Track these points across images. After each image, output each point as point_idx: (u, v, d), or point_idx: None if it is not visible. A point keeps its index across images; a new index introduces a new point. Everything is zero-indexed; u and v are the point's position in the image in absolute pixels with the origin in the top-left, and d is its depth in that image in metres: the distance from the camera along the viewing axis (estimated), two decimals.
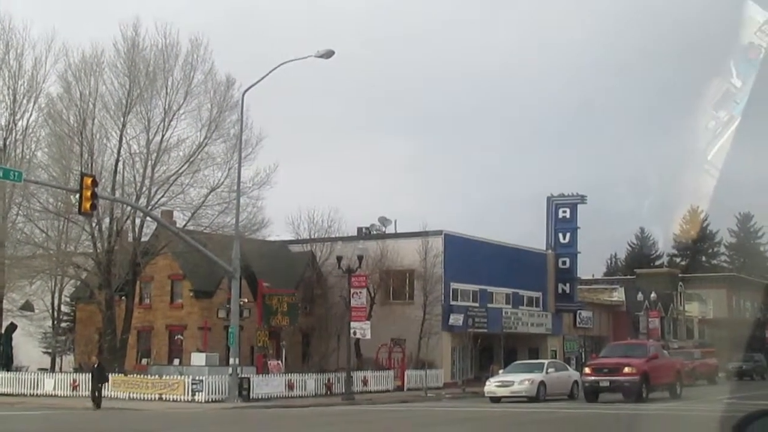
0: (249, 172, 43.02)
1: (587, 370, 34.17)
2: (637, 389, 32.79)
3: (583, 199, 65.47)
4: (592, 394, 33.82)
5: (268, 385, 40.65)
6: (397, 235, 56.41)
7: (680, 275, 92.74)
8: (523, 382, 35.64)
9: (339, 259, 41.95)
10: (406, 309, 53.18)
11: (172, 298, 51.15)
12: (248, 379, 39.06)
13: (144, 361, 50.60)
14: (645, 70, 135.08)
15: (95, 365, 36.90)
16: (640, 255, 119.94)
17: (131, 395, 39.49)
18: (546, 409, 32.07)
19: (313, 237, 55.34)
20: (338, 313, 52.71)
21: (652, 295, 71.82)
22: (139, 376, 40.45)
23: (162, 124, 41.78)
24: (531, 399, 35.56)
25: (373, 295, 52.67)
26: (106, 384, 40.05)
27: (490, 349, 59.98)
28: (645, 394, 33.06)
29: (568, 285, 64.68)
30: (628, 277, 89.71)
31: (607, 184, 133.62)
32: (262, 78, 38.31)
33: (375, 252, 52.64)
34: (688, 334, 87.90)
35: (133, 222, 42.43)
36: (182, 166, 42.39)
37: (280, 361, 48.51)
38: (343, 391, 42.99)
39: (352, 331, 46.16)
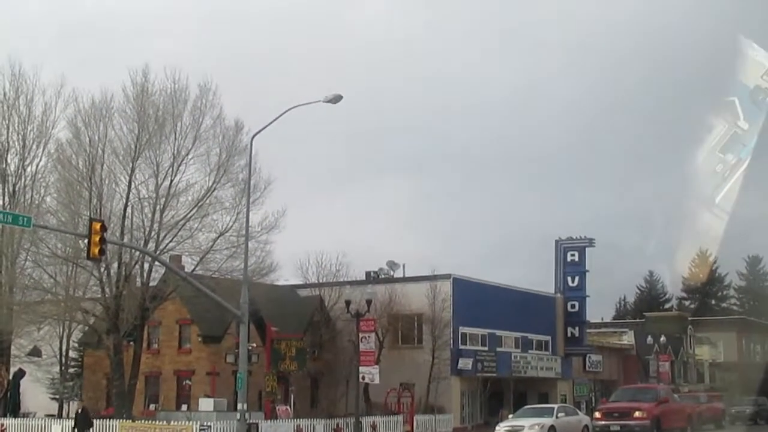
0: (257, 216, 43.11)
1: (598, 414, 33.97)
2: None
3: (591, 242, 65.40)
4: None
5: (278, 430, 40.39)
6: (405, 279, 56.33)
7: (690, 318, 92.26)
8: (534, 427, 35.38)
9: (348, 303, 41.90)
10: (415, 353, 52.97)
11: (180, 343, 51.05)
12: (256, 424, 38.81)
13: (152, 406, 50.39)
14: (651, 112, 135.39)
15: (79, 410, 36.76)
16: (649, 298, 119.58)
17: None
18: None
19: (321, 281, 55.26)
20: (347, 358, 52.57)
21: (662, 338, 71.43)
22: (147, 422, 40.25)
23: (171, 169, 41.91)
24: None
25: (381, 339, 52.52)
26: (91, 430, 40.01)
27: (500, 394, 59.60)
28: None
29: (577, 328, 64.40)
30: (637, 320, 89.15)
31: (616, 227, 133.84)
32: (271, 122, 38.30)
33: (383, 296, 52.55)
34: (698, 377, 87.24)
35: (142, 267, 42.40)
36: (191, 211, 42.44)
37: (288, 407, 48.26)
38: None
39: (360, 375, 45.96)
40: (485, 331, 56.25)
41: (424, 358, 52.04)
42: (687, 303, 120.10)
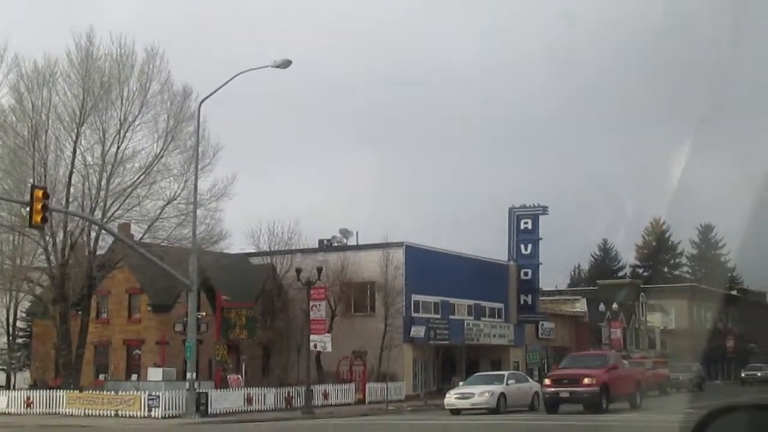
0: (206, 183, 42.65)
1: (547, 381, 33.99)
2: (597, 400, 32.66)
3: (544, 210, 65.52)
4: (553, 405, 33.63)
5: (227, 399, 40.09)
6: (358, 247, 56.05)
7: (642, 286, 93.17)
8: (483, 394, 35.38)
9: (298, 271, 41.51)
10: (368, 321, 52.76)
11: (129, 313, 50.39)
12: (206, 394, 38.47)
13: (101, 376, 49.75)
14: (607, 81, 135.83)
15: None
16: (604, 266, 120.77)
17: (86, 412, 38.80)
18: (506, 420, 31.81)
19: (273, 249, 54.75)
20: (299, 327, 52.29)
21: (614, 305, 71.97)
22: (94, 392, 39.74)
23: (117, 135, 41.17)
24: (491, 411, 35.29)
25: (333, 307, 52.27)
26: (62, 401, 39.52)
27: (453, 361, 59.75)
28: (605, 405, 32.93)
29: (530, 296, 64.60)
30: (591, 288, 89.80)
31: (572, 196, 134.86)
32: (219, 88, 37.91)
33: (335, 264, 52.26)
34: (650, 344, 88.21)
35: (89, 235, 41.67)
36: (138, 178, 41.83)
37: (240, 375, 47.96)
38: (303, 405, 42.64)
39: (312, 344, 45.67)
40: (438, 299, 56.19)
41: (376, 326, 51.85)
42: (640, 271, 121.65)
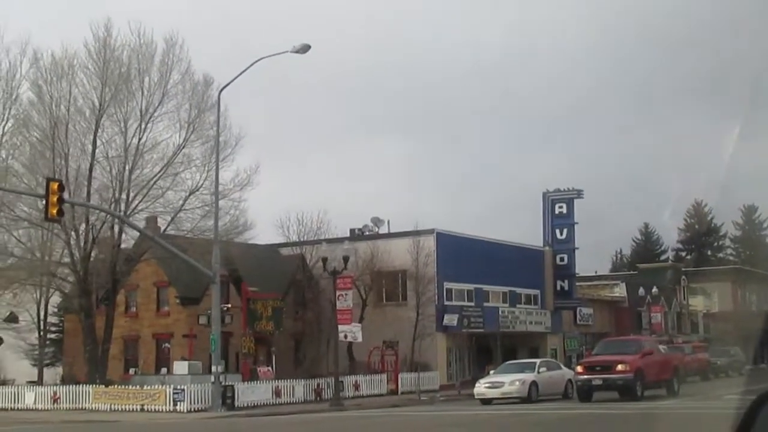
0: (229, 173, 41.92)
1: (579, 368, 32.87)
2: (631, 387, 31.51)
3: (579, 193, 64.17)
4: (586, 393, 32.53)
5: (254, 392, 39.43)
6: (388, 235, 55.16)
7: (684, 269, 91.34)
8: (514, 383, 34.38)
9: (324, 260, 40.63)
10: (400, 311, 51.87)
11: (158, 306, 49.96)
12: (233, 386, 37.83)
13: (131, 370, 49.39)
14: (648, 64, 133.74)
15: None
16: (645, 250, 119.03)
17: (113, 407, 38.34)
18: (537, 410, 30.77)
19: (302, 239, 54.02)
20: (329, 317, 51.66)
21: (654, 289, 70.40)
22: (120, 387, 39.24)
23: (138, 126, 40.55)
24: (523, 400, 34.30)
25: (364, 297, 51.48)
26: (89, 396, 39.13)
27: (489, 350, 58.83)
28: (640, 392, 31.77)
29: (566, 281, 63.37)
30: (631, 273, 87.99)
31: (610, 180, 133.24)
32: (239, 75, 37.17)
33: (365, 253, 51.45)
34: (692, 328, 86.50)
35: (112, 229, 41.12)
36: (160, 170, 41.15)
37: (270, 368, 47.35)
38: (332, 396, 41.96)
39: (341, 334, 44.97)
40: (471, 287, 55.17)
41: (408, 315, 50.97)
42: (683, 254, 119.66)
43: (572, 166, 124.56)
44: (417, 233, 52.65)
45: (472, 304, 55.03)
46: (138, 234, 43.65)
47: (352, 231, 58.26)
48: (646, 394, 33.02)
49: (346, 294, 39.48)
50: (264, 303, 41.59)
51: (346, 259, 41.08)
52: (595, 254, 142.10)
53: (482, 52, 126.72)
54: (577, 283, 75.68)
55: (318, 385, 42.40)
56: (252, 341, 41.45)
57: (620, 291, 75.26)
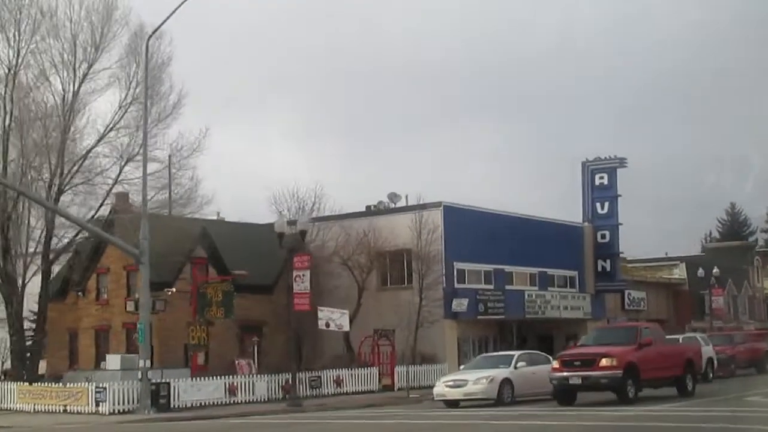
0: (172, 136, 36.34)
1: (556, 363, 26.19)
2: (620, 386, 24.86)
3: (622, 162, 56.73)
4: (565, 393, 25.95)
5: (201, 390, 33.80)
6: (389, 211, 48.71)
7: (759, 249, 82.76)
8: (480, 381, 27.89)
9: (280, 236, 34.55)
10: (404, 295, 45.51)
11: (128, 292, 44.58)
12: (168, 384, 32.30)
13: (103, 364, 44.37)
14: (733, 39, 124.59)
15: None
16: (732, 232, 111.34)
17: (37, 407, 33.27)
18: (493, 421, 24.39)
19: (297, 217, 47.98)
20: (331, 304, 46.11)
21: (715, 270, 62.61)
22: (44, 385, 34.08)
23: (71, 82, 35.23)
24: (495, 402, 27.90)
25: (361, 280, 45.54)
26: (14, 395, 34.22)
27: (521, 338, 52.43)
28: (633, 392, 25.10)
29: (608, 261, 56.07)
30: (697, 255, 79.05)
31: (697, 159, 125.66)
32: (168, 18, 31.57)
33: (356, 231, 45.66)
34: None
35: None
36: (101, 136, 35.83)
37: (251, 361, 41.87)
38: (305, 394, 36.34)
39: (321, 321, 39.34)
40: (490, 267, 48.52)
41: (413, 300, 44.71)
42: None
43: (651, 144, 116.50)
44: (421, 207, 46.33)
45: (491, 287, 48.39)
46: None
47: (367, 207, 52.32)
48: (650, 394, 26.53)
49: (303, 275, 33.51)
50: (215, 287, 35.99)
51: (303, 233, 35.14)
52: (682, 236, 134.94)
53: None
54: (632, 264, 68.64)
55: (287, 381, 36.48)
56: (204, 330, 35.77)
57: (680, 272, 67.52)
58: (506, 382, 27.96)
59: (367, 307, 45.46)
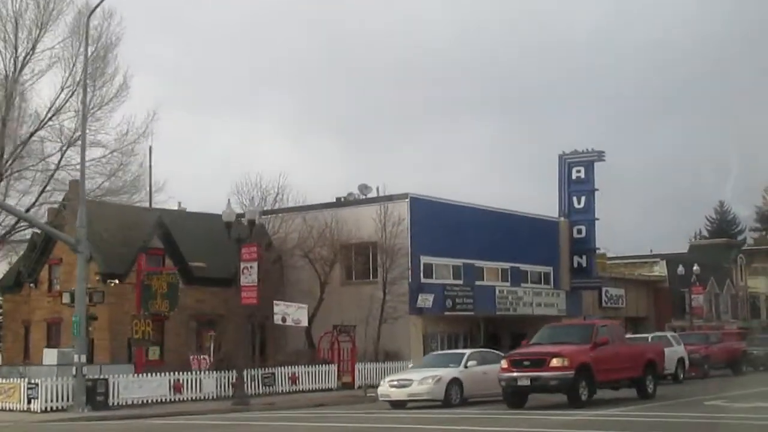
0: (114, 121, 34.74)
1: (504, 363, 24.53)
2: (571, 388, 23.24)
3: (600, 155, 55.14)
4: (515, 395, 24.31)
5: (143, 387, 32.13)
6: (355, 203, 47.03)
7: (745, 248, 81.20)
8: (425, 381, 26.25)
9: (228, 225, 32.76)
10: (370, 289, 43.86)
11: None
12: (105, 381, 30.63)
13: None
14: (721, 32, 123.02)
15: None
16: (719, 230, 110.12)
17: None
18: (442, 418, 22.80)
19: (263, 208, 46.29)
20: (293, 297, 44.56)
21: (695, 267, 61.10)
22: None
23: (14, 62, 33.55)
24: (443, 403, 26.28)
25: (323, 274, 43.89)
26: None
27: (494, 336, 50.89)
28: (586, 395, 23.48)
29: (584, 257, 54.55)
30: (679, 252, 77.41)
31: (682, 157, 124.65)
32: None
33: (320, 223, 44.04)
34: (753, 312, 76.60)
35: None
36: (44, 117, 34.09)
37: (207, 356, 40.18)
38: (258, 392, 34.78)
39: (277, 316, 37.89)
40: (459, 262, 46.93)
41: (378, 295, 43.10)
42: (764, 234, 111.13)
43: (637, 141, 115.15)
44: (388, 198, 44.72)
45: (460, 282, 46.81)
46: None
47: (337, 199, 50.68)
48: (607, 396, 25.00)
49: (251, 267, 31.85)
50: (160, 279, 34.26)
51: (251, 224, 33.41)
52: (673, 235, 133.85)
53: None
54: (612, 261, 67.18)
55: (236, 378, 34.80)
56: (148, 324, 34.03)
57: (660, 270, 65.95)
58: (454, 382, 26.31)
59: (330, 302, 43.83)
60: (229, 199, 34.77)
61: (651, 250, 77.03)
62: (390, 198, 44.73)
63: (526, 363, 23.62)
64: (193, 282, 42.86)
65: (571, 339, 24.82)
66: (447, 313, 45.20)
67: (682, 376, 37.51)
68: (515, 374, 23.71)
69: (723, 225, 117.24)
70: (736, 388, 30.32)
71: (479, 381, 26.85)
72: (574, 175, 54.81)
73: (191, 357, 39.70)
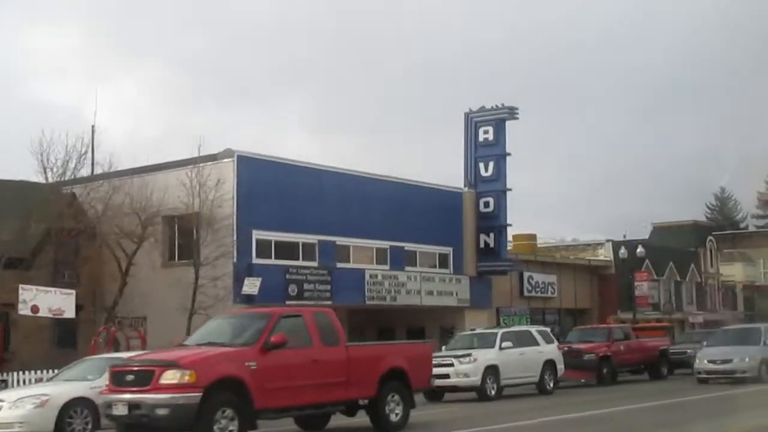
0: None
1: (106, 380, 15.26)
2: (198, 427, 14.09)
3: (512, 112, 45.42)
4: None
5: None
6: (166, 166, 37.14)
7: (717, 233, 71.39)
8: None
9: None
10: (185, 272, 34.79)
11: None
12: None
13: None
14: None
15: None
16: (721, 217, 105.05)
17: None
18: None
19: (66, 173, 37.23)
20: (96, 282, 36.00)
21: (639, 250, 51.55)
22: None
23: None
24: None
25: (128, 252, 34.97)
26: None
27: (389, 331, 42.31)
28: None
29: (492, 236, 44.95)
30: (640, 239, 67.14)
31: (683, 143, 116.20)
32: None
33: (127, 192, 35.08)
34: (726, 303, 66.87)
35: None
36: None
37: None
38: None
39: (22, 305, 29.38)
40: (312, 238, 37.69)
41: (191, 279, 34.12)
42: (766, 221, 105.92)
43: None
44: (211, 158, 35.57)
45: (314, 263, 37.60)
46: None
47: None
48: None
49: None
50: None
51: None
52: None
53: None
54: (554, 244, 57.97)
55: None
56: None
57: (605, 253, 56.35)
58: None
59: (137, 288, 34.93)
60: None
61: (624, 236, 67.33)
62: (214, 157, 35.55)
63: (130, 378, 14.41)
64: None
65: (225, 339, 15.57)
66: (289, 302, 35.89)
67: (551, 385, 28.50)
68: (113, 396, 14.52)
69: (725, 211, 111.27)
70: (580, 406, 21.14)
71: None
72: (481, 137, 45.32)
73: None
